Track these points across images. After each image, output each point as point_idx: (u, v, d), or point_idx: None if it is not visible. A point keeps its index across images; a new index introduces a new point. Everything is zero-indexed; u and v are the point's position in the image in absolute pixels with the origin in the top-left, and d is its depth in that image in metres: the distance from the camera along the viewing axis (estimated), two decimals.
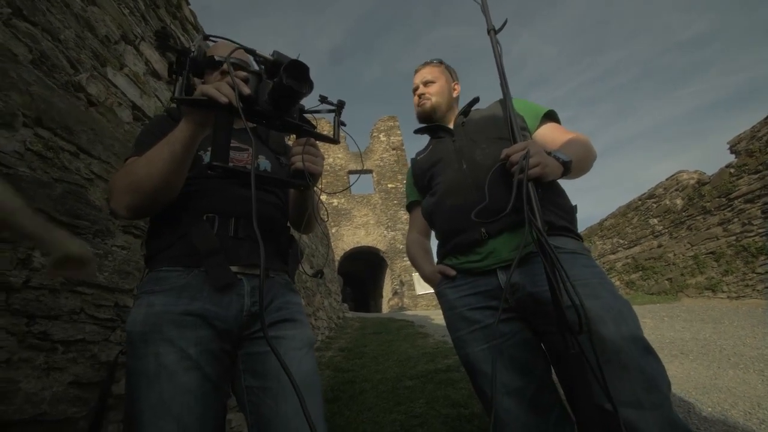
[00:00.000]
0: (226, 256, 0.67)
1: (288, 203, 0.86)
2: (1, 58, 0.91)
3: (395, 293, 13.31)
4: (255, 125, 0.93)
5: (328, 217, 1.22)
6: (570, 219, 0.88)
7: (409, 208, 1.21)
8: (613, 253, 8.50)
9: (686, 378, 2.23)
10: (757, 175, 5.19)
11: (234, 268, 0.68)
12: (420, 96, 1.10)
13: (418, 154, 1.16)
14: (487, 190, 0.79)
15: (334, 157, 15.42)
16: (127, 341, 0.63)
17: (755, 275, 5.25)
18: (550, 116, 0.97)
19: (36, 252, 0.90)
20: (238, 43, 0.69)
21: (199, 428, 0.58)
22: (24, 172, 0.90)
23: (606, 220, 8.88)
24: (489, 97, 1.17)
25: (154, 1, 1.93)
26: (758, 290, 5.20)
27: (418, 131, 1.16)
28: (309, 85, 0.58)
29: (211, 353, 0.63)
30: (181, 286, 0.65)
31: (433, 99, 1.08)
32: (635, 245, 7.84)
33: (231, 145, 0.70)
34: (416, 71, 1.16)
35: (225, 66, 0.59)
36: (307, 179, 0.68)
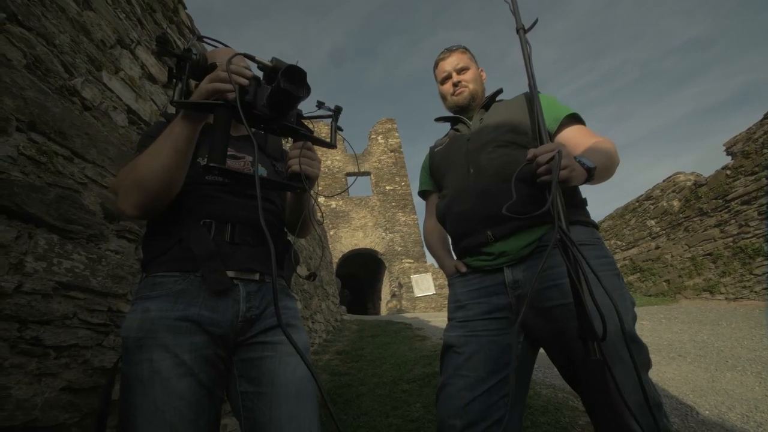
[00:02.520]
0: (222, 261, 0.68)
1: (282, 208, 0.86)
2: None
3: (393, 295, 13.29)
4: (254, 130, 0.93)
5: (323, 220, 1.23)
6: (582, 209, 0.92)
7: (423, 195, 1.22)
8: (612, 255, 8.51)
9: (684, 381, 2.23)
10: (753, 177, 5.22)
11: (230, 274, 0.68)
12: (456, 84, 1.08)
13: (437, 143, 1.17)
14: (514, 189, 0.77)
15: (332, 159, 15.44)
16: (122, 347, 0.63)
17: (753, 276, 5.27)
18: (575, 118, 0.95)
19: (28, 257, 0.89)
20: (240, 52, 0.70)
21: None
22: (17, 176, 0.90)
23: (603, 221, 8.90)
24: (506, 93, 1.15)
25: (151, 6, 1.94)
26: (756, 291, 5.22)
27: (439, 119, 1.17)
28: (306, 90, 0.59)
29: (205, 359, 0.63)
30: (177, 291, 0.65)
31: (471, 87, 1.07)
32: (633, 247, 7.86)
33: (228, 152, 0.70)
34: (442, 59, 1.12)
35: (225, 68, 0.59)
36: (303, 182, 0.68)
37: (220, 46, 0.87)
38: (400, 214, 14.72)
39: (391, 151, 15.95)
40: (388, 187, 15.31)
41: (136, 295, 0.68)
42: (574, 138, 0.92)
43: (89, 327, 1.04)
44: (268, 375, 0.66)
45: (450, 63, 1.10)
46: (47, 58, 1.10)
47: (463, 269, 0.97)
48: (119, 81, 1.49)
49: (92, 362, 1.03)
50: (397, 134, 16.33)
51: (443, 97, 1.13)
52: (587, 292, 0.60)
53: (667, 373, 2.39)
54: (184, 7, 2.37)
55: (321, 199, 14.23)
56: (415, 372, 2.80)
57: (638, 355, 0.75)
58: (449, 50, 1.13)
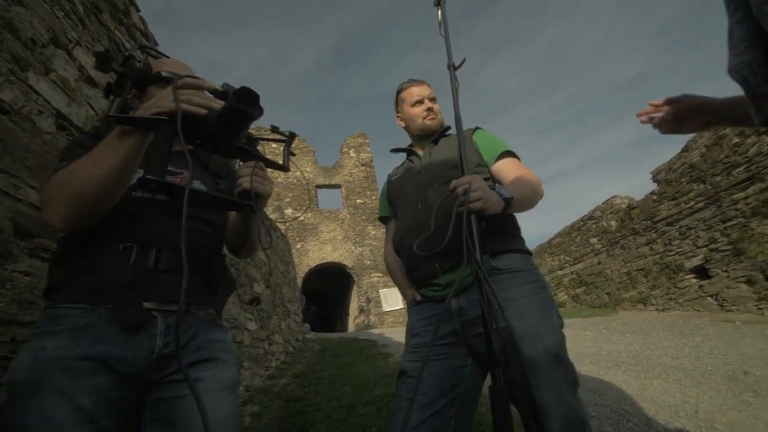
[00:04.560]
0: (140, 291, 0.62)
1: (223, 230, 0.82)
2: None
3: (362, 311, 13.06)
4: (193, 147, 0.89)
5: (271, 239, 1.19)
6: (516, 237, 0.99)
7: (383, 221, 1.27)
8: (561, 269, 9.15)
9: (618, 390, 2.41)
10: (674, 202, 5.96)
11: (149, 305, 0.63)
12: (429, 110, 1.13)
13: (394, 171, 1.23)
14: (434, 221, 0.84)
15: (302, 170, 15.16)
16: (9, 391, 0.54)
17: (677, 289, 5.94)
18: (509, 153, 1.04)
19: None
20: (192, 75, 0.67)
21: None
22: None
23: (554, 238, 9.59)
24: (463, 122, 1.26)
25: (97, 6, 1.82)
26: (680, 303, 5.87)
27: (394, 150, 1.22)
28: (259, 110, 0.58)
29: (110, 402, 0.56)
30: (82, 326, 0.58)
31: (439, 116, 1.15)
32: (579, 262, 8.52)
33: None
34: (413, 85, 1.17)
35: (178, 83, 0.56)
36: (253, 201, 0.65)
37: (163, 57, 0.84)
38: (371, 227, 14.67)
39: (363, 165, 16.02)
40: (358, 201, 15.27)
41: (33, 330, 0.60)
42: (505, 170, 1.01)
43: None
44: (184, 416, 0.60)
45: (422, 90, 1.15)
46: None
47: (418, 298, 1.03)
48: (49, 83, 1.36)
49: None
50: (368, 149, 16.47)
51: (411, 119, 1.16)
52: (492, 323, 0.66)
53: (604, 383, 2.58)
54: (137, 10, 2.25)
55: (288, 211, 13.83)
56: (374, 393, 2.74)
57: (565, 375, 0.80)
58: (417, 81, 1.19)
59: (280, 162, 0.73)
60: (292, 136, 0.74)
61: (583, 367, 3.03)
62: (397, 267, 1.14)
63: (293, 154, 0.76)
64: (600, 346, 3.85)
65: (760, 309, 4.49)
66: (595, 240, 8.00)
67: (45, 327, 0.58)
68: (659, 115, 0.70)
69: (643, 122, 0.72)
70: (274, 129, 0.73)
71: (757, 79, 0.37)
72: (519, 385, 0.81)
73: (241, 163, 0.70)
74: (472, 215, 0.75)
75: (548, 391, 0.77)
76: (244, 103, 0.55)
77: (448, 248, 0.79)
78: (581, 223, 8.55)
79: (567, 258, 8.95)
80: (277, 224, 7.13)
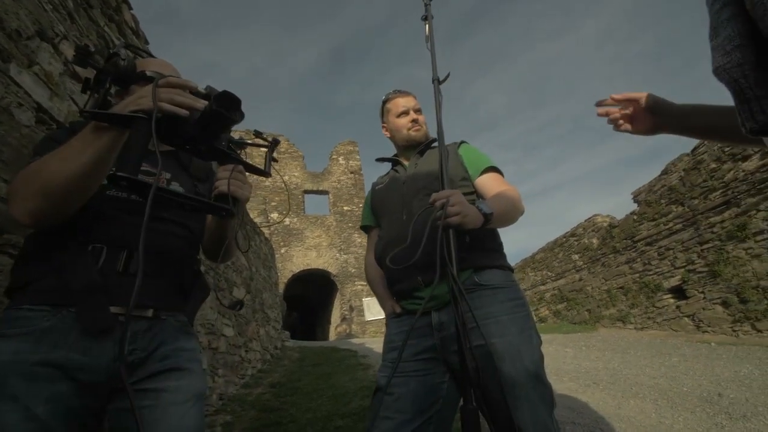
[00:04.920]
0: (107, 294, 0.60)
1: (199, 234, 0.81)
2: None
3: (344, 319, 12.89)
4: (173, 148, 0.88)
5: (249, 248, 1.17)
6: (499, 253, 0.99)
7: (365, 230, 1.26)
8: (543, 284, 9.27)
9: (595, 409, 2.43)
10: (654, 222, 6.16)
11: (115, 309, 0.61)
12: (414, 121, 1.14)
13: (379, 180, 1.22)
14: (410, 233, 0.83)
15: (290, 175, 15.10)
16: None
17: (655, 309, 6.08)
18: (493, 168, 1.05)
19: None
20: (175, 76, 0.66)
21: None
22: None
23: (537, 253, 9.73)
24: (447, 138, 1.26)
25: (87, 1, 1.80)
26: (657, 322, 6.01)
27: (380, 160, 1.22)
28: (240, 114, 0.58)
29: (68, 411, 0.54)
30: (43, 329, 0.56)
31: (424, 128, 1.15)
32: (561, 278, 8.66)
33: (141, 168, 0.65)
34: (398, 97, 1.18)
35: (160, 81, 0.55)
36: (231, 204, 0.64)
37: (147, 56, 0.83)
38: (356, 235, 14.61)
39: (351, 173, 16.06)
40: (345, 208, 15.25)
41: None
42: (488, 184, 1.02)
43: None
44: (147, 427, 0.58)
45: (408, 101, 1.16)
46: None
47: (398, 310, 1.01)
48: (31, 75, 1.33)
49: None
50: (358, 157, 16.54)
51: (397, 130, 1.16)
52: (466, 341, 0.67)
53: (581, 401, 2.60)
54: (129, 7, 2.24)
55: (274, 215, 13.70)
56: (352, 405, 2.69)
57: (543, 395, 0.80)
58: (403, 92, 1.20)
59: (262, 167, 0.73)
60: (275, 142, 0.74)
61: (562, 384, 3.05)
62: (377, 277, 1.13)
63: (275, 160, 0.76)
64: (579, 364, 3.89)
65: (734, 331, 4.63)
66: (576, 257, 8.16)
67: (3, 329, 0.56)
68: (617, 111, 0.68)
69: (599, 114, 0.72)
70: (258, 134, 0.73)
71: (749, 82, 0.34)
72: (496, 403, 0.80)
73: (220, 166, 0.70)
74: (450, 229, 0.75)
75: (526, 411, 0.77)
76: (224, 107, 0.55)
77: (430, 262, 0.78)
78: (564, 239, 8.73)
79: (549, 273, 9.08)
80: (261, 228, 7.02)
